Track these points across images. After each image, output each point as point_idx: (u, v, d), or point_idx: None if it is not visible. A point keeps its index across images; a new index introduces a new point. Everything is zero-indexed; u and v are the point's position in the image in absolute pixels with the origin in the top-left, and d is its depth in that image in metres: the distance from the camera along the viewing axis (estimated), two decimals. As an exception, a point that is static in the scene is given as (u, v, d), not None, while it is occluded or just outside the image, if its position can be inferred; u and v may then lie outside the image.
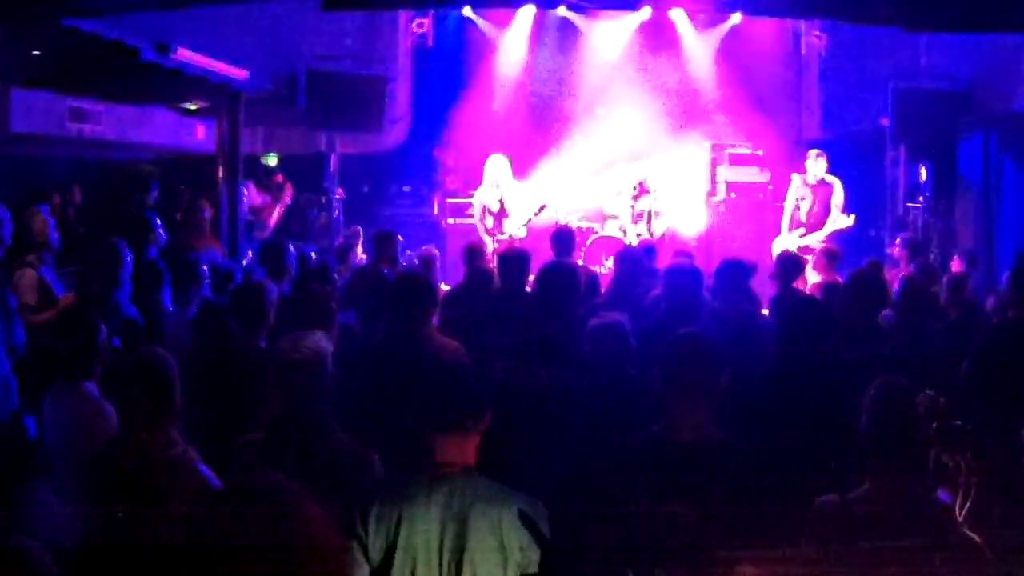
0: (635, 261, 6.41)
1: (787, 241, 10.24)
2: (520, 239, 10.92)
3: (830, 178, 10.38)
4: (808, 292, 7.12)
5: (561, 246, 7.48)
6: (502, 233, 10.91)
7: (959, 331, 5.93)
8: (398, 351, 4.44)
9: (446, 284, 7.81)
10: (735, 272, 5.87)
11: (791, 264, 6.78)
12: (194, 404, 3.90)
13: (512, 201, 10.99)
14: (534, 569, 2.89)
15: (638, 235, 10.97)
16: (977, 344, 5.16)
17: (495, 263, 9.05)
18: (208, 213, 8.92)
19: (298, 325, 4.11)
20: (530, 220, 11.04)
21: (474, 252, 7.56)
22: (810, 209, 10.34)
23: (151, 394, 3.53)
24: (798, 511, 3.13)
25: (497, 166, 11.01)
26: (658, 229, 10.99)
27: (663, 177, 11.56)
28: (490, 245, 10.83)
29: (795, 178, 10.54)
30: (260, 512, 1.86)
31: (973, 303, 6.57)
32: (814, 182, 10.34)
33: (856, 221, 11.57)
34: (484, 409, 3.04)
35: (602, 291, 6.68)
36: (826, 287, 7.12)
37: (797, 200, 10.41)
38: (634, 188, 11.13)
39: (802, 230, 10.29)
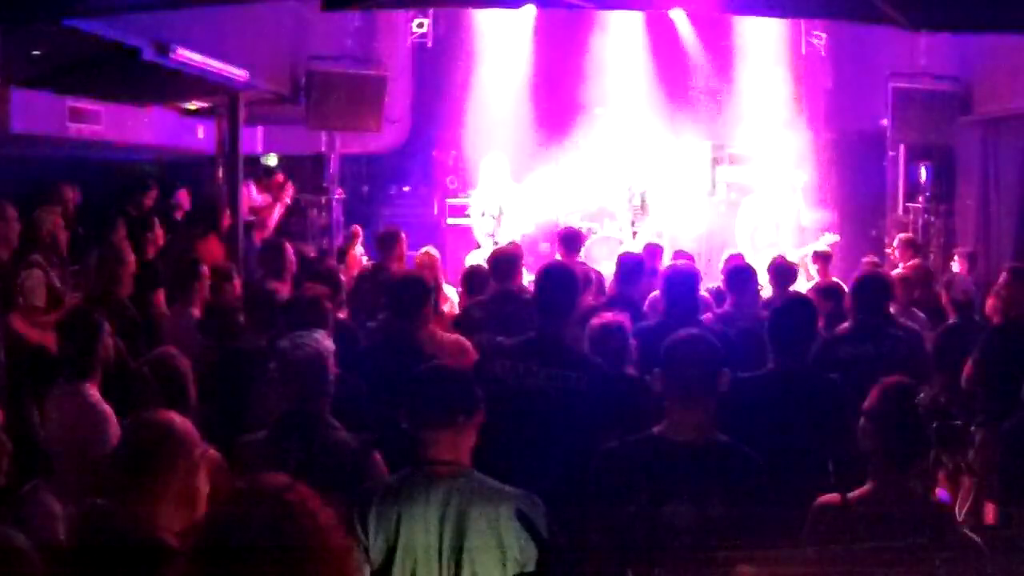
0: (636, 264, 6.44)
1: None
2: (519, 239, 10.98)
3: (781, 201, 10.46)
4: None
5: (568, 246, 7.62)
6: (501, 237, 10.96)
7: (958, 332, 5.94)
8: (398, 350, 4.45)
9: (447, 284, 7.82)
10: (742, 274, 5.90)
11: (785, 272, 6.80)
12: (198, 403, 3.91)
13: (509, 203, 11.05)
14: (533, 567, 2.90)
15: (634, 234, 11.05)
16: (980, 344, 5.17)
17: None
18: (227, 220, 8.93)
19: (297, 325, 4.12)
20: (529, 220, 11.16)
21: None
22: (771, 233, 10.40)
23: (167, 395, 3.55)
24: (798, 511, 3.14)
25: (494, 166, 11.07)
26: (648, 228, 11.08)
27: (653, 176, 11.61)
28: (488, 247, 10.91)
29: (746, 202, 10.59)
30: (266, 513, 1.87)
31: (968, 303, 6.58)
32: (771, 205, 10.41)
33: (856, 221, 11.60)
34: (475, 404, 3.04)
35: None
36: (823, 289, 7.13)
37: (755, 223, 10.45)
38: (628, 189, 11.20)
39: (772, 251, 10.29)
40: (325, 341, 3.62)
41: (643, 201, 11.28)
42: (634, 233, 11.18)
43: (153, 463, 2.79)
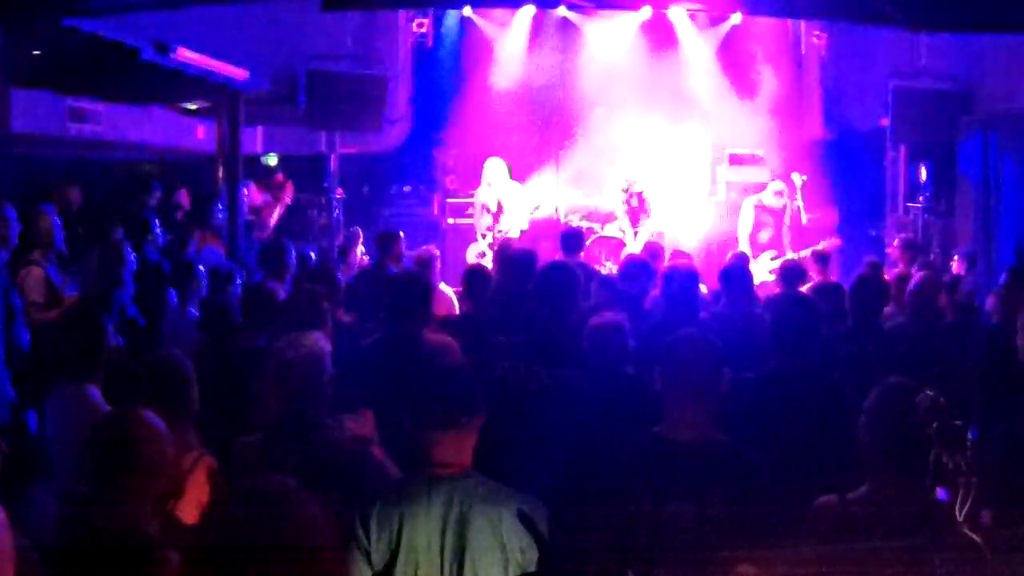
0: (639, 264, 6.45)
1: (757, 267, 10.16)
2: (518, 234, 11.14)
3: (782, 202, 10.44)
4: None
5: (569, 245, 7.66)
6: (500, 231, 11.08)
7: (956, 332, 5.94)
8: (396, 351, 4.44)
9: (446, 284, 7.83)
10: (739, 273, 5.90)
11: (794, 273, 6.81)
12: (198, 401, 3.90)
13: (509, 200, 11.19)
14: (534, 569, 2.90)
15: (636, 233, 11.07)
16: (980, 344, 5.16)
17: (494, 260, 9.20)
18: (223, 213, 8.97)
19: (295, 325, 4.13)
20: (528, 218, 11.28)
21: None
22: (771, 234, 10.38)
23: (168, 396, 3.55)
24: (798, 511, 3.13)
25: (494, 168, 11.22)
26: (648, 228, 11.10)
27: (653, 176, 11.65)
28: (488, 240, 11.07)
29: (747, 203, 10.57)
30: (265, 514, 1.87)
31: (968, 304, 6.58)
32: (772, 206, 10.39)
33: (856, 221, 11.57)
34: (478, 406, 3.03)
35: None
36: (820, 288, 7.12)
37: (756, 225, 10.42)
38: (623, 191, 11.26)
39: (773, 252, 10.28)
40: (321, 342, 3.62)
41: (642, 201, 11.31)
42: (636, 233, 11.21)
43: (121, 461, 2.80)
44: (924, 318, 5.50)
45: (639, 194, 11.34)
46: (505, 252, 7.62)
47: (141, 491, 2.78)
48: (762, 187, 11.19)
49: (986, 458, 3.28)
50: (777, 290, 6.76)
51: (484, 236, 11.32)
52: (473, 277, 6.42)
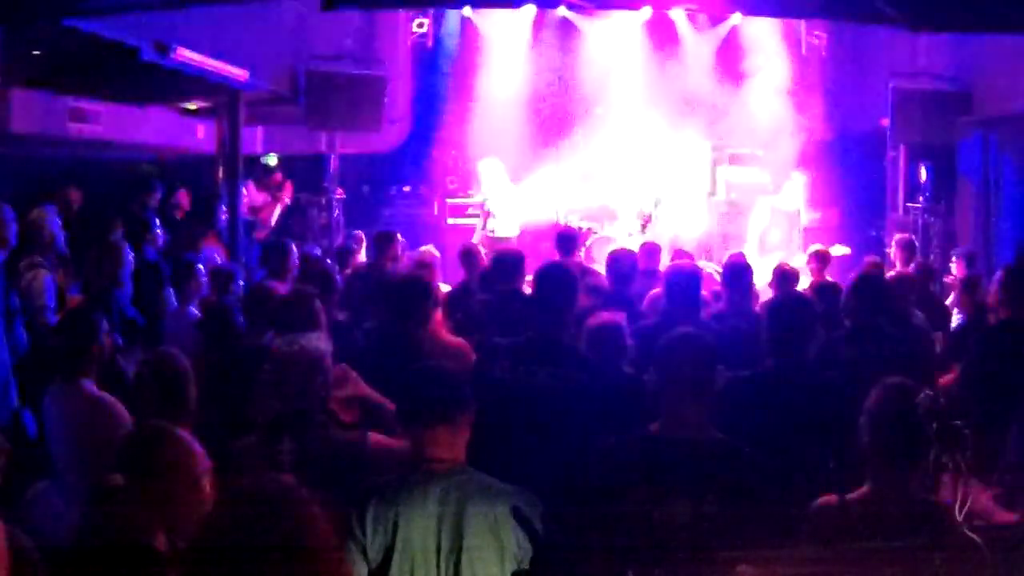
0: (629, 263, 6.44)
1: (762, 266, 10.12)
2: (509, 238, 11.22)
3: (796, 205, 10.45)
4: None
5: (564, 246, 7.67)
6: (490, 231, 11.18)
7: (965, 332, 5.94)
8: (397, 351, 4.45)
9: (446, 284, 7.83)
10: (740, 272, 5.90)
11: (787, 276, 6.82)
12: (197, 402, 3.91)
13: (499, 202, 11.25)
14: (530, 564, 2.90)
15: (629, 235, 11.12)
16: (976, 344, 5.16)
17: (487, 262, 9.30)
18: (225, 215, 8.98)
19: (287, 324, 4.13)
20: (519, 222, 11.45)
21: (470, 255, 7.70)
22: (782, 236, 10.38)
23: (165, 395, 3.55)
24: (798, 511, 3.13)
25: (489, 168, 11.29)
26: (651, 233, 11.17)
27: (663, 192, 11.67)
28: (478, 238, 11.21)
29: (763, 203, 10.55)
30: (263, 514, 1.87)
31: (984, 304, 6.58)
32: (788, 211, 10.40)
33: (856, 221, 11.57)
34: (469, 400, 3.04)
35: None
36: (819, 288, 7.11)
37: (767, 225, 10.42)
38: (648, 213, 11.32)
39: (781, 253, 10.26)
40: (321, 342, 3.63)
41: (653, 210, 11.35)
42: (629, 234, 11.22)
43: (155, 476, 2.79)
44: (897, 316, 5.49)
45: (656, 201, 11.38)
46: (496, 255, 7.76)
47: (163, 505, 2.77)
48: (762, 187, 11.19)
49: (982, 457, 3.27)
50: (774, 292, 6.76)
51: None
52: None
